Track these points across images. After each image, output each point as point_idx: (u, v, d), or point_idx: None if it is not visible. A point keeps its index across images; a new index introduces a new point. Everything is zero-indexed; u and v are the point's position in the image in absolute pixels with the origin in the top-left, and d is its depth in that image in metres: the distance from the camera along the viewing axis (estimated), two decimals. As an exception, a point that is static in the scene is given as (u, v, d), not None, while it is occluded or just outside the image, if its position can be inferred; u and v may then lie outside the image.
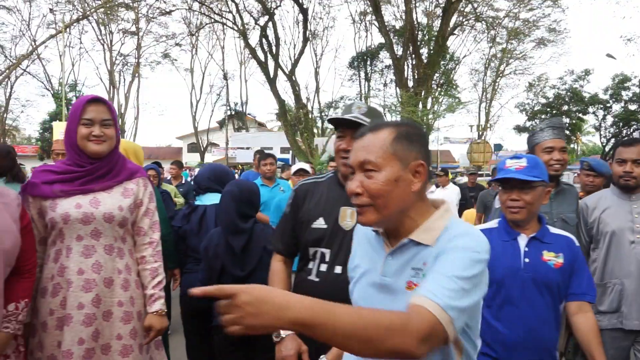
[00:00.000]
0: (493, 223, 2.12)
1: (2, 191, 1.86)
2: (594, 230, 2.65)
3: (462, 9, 24.70)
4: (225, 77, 36.80)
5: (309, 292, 1.68)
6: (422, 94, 23.00)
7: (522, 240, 2.00)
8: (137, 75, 36.25)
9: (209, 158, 37.96)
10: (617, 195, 2.63)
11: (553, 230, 2.05)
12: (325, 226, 1.91)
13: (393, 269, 1.29)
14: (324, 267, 1.89)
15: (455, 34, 26.40)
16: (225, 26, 26.61)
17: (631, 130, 34.52)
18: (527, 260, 1.96)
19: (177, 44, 31.96)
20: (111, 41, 34.72)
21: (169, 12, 25.67)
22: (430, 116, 23.13)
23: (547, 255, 1.95)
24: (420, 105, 21.68)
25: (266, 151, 5.61)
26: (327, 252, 1.89)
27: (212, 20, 25.48)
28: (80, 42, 38.90)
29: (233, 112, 37.30)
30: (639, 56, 75.91)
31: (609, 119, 36.36)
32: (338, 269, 1.85)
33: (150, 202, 2.18)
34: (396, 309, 1.15)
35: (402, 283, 1.27)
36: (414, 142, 1.28)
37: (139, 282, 2.12)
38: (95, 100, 2.06)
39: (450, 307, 1.08)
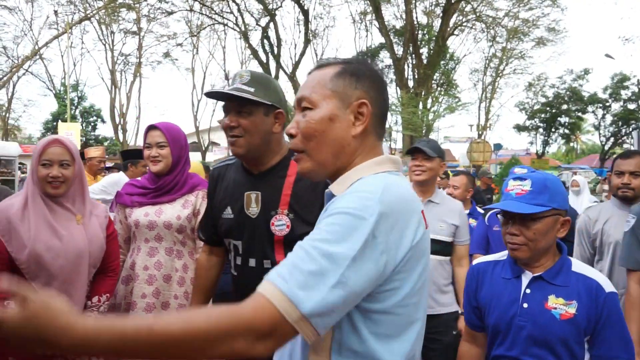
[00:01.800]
0: (502, 255, 1.74)
1: (94, 204, 2.28)
2: (597, 242, 2.70)
3: (462, 9, 24.82)
4: (226, 77, 36.95)
5: (233, 287, 1.76)
6: (422, 94, 23.15)
7: (525, 279, 1.61)
8: (138, 75, 36.40)
9: (210, 157, 38.10)
10: (618, 206, 2.70)
11: (577, 267, 1.59)
12: (232, 216, 1.78)
13: (319, 220, 1.04)
14: (239, 260, 1.77)
15: (455, 34, 26.53)
16: (226, 26, 26.78)
17: (630, 129, 34.66)
18: (525, 305, 1.56)
19: (178, 44, 32.09)
20: (113, 41, 34.87)
21: (170, 13, 25.82)
22: (431, 116, 23.27)
23: (553, 302, 1.52)
24: (421, 105, 21.81)
25: None
26: (238, 244, 1.77)
27: (214, 21, 25.61)
28: (82, 42, 38.94)
29: (234, 112, 37.48)
30: (638, 56, 75.92)
31: (608, 118, 36.51)
32: (252, 262, 1.71)
33: None
34: None
35: None
36: (360, 80, 1.10)
37: (193, 280, 2.40)
38: (153, 127, 2.48)
39: (301, 299, 0.84)
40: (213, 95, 1.74)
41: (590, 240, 2.76)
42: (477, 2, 25.00)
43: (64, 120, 27.63)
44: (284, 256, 1.50)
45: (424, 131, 20.49)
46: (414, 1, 24.34)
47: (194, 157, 37.42)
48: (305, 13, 22.47)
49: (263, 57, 21.89)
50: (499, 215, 1.65)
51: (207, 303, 2.04)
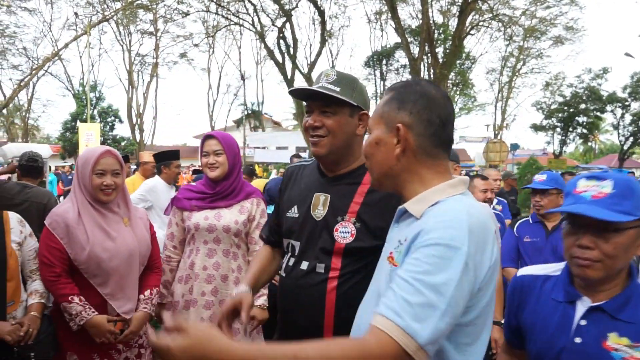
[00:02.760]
0: (556, 268, 1.43)
1: (136, 208, 2.45)
2: None
3: (479, 8, 24.66)
4: (242, 78, 37.20)
5: (280, 288, 1.73)
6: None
7: (581, 307, 1.30)
8: (155, 75, 36.76)
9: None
10: None
11: None
12: (296, 215, 1.71)
13: (392, 236, 1.23)
14: (291, 262, 1.70)
15: (471, 34, 26.38)
16: (242, 27, 26.93)
17: (650, 128, 34.12)
18: (578, 339, 1.27)
19: (194, 45, 32.36)
20: (130, 42, 35.27)
21: (187, 14, 26.03)
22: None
23: (615, 341, 1.21)
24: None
25: (283, 150, 6.18)
26: (297, 244, 1.69)
27: (230, 22, 25.77)
28: (100, 43, 39.43)
29: (250, 112, 37.68)
30: (659, 53, 74.57)
31: (628, 117, 35.91)
32: (304, 265, 1.63)
33: (262, 217, 2.63)
34: (376, 279, 1.19)
35: (387, 252, 1.19)
36: (403, 104, 1.18)
37: None
38: (210, 136, 2.64)
39: (417, 331, 0.93)
40: (297, 92, 1.70)
41: None
42: (494, 1, 24.82)
43: (83, 121, 28.04)
44: (340, 264, 1.54)
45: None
46: (430, 0, 24.22)
47: (210, 157, 37.76)
48: (322, 13, 22.50)
49: (279, 58, 21.97)
50: (563, 223, 1.32)
51: (264, 271, 1.85)
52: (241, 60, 42.89)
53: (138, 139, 36.18)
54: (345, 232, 1.58)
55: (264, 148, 29.99)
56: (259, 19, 23.14)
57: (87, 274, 2.16)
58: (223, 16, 25.49)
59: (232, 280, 2.57)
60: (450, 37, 24.85)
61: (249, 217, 2.62)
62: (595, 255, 1.22)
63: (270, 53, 22.26)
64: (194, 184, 2.79)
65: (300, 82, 23.75)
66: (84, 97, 32.49)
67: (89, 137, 21.26)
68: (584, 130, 37.43)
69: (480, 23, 26.41)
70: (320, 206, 1.65)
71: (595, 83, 35.61)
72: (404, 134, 1.16)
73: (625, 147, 33.94)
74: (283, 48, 21.83)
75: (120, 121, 36.30)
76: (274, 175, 15.41)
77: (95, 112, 32.84)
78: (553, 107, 37.48)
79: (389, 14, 26.12)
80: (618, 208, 1.19)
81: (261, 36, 23.08)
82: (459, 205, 1.07)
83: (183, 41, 32.95)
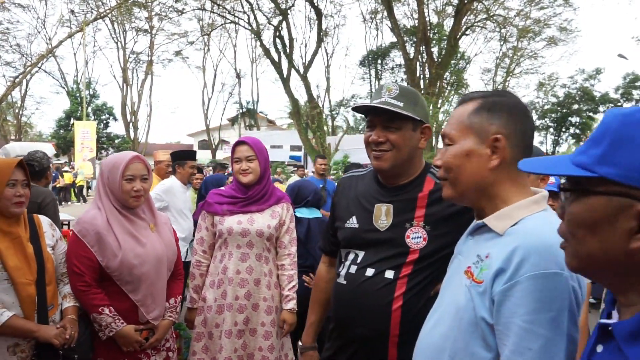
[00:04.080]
0: None
1: (159, 214, 2.43)
2: None
3: (474, 8, 24.79)
4: (237, 76, 37.16)
5: (337, 295, 1.71)
6: (435, 92, 23.15)
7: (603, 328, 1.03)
8: (149, 73, 36.64)
9: (220, 155, 38.31)
10: None
11: None
12: (356, 226, 1.70)
13: (468, 249, 1.20)
14: (353, 269, 1.68)
15: (466, 34, 26.51)
16: (237, 25, 26.91)
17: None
18: None
19: (189, 43, 32.26)
20: (125, 39, 35.13)
21: (182, 12, 25.98)
22: (441, 117, 23.28)
23: None
24: (431, 105, 21.83)
25: (277, 149, 6.36)
26: (360, 253, 1.69)
27: (226, 20, 25.74)
28: (95, 40, 39.24)
29: (245, 110, 37.64)
30: (651, 55, 75.29)
31: (620, 118, 36.22)
32: (369, 272, 1.63)
33: (291, 222, 2.69)
34: (449, 287, 1.17)
35: (464, 265, 1.17)
36: (496, 114, 1.15)
37: (277, 283, 2.63)
38: (241, 142, 2.67)
39: None
40: (360, 109, 1.70)
41: None
42: (489, 2, 24.95)
43: (78, 118, 27.87)
44: (410, 269, 1.56)
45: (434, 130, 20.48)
46: (426, 0, 24.32)
47: (204, 155, 37.74)
48: (319, 12, 22.53)
49: (275, 56, 21.97)
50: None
51: (324, 315, 1.98)
52: (236, 59, 42.85)
53: (132, 136, 36.07)
54: (417, 237, 1.59)
55: (259, 147, 30.02)
56: (255, 17, 23.15)
57: (120, 281, 2.16)
58: (219, 14, 25.47)
59: (264, 284, 2.59)
60: (445, 37, 24.95)
61: (280, 221, 2.66)
62: (561, 229, 0.99)
63: (267, 52, 22.24)
64: (223, 188, 2.82)
65: (296, 82, 23.79)
66: (78, 94, 32.33)
67: (85, 135, 21.15)
68: (577, 131, 37.78)
69: (476, 24, 26.55)
70: (383, 216, 1.65)
71: (588, 84, 35.96)
72: (503, 145, 1.13)
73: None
74: (279, 47, 21.82)
75: (115, 119, 36.19)
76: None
77: (90, 109, 32.67)
78: (546, 107, 37.81)
79: (385, 14, 26.19)
80: (576, 158, 0.91)
81: (257, 35, 23.07)
82: (547, 224, 1.03)
83: (178, 39, 32.85)
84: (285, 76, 21.82)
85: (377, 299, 1.58)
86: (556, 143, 37.75)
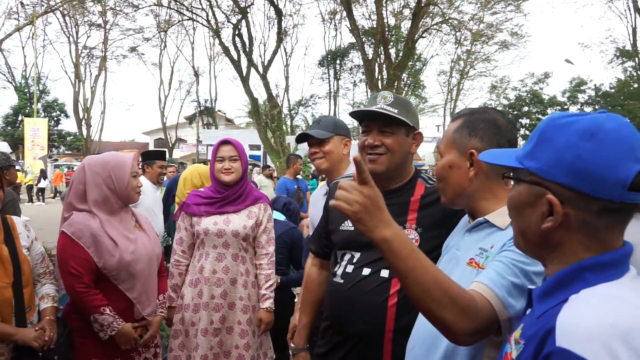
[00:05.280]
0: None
1: (138, 213, 2.47)
2: None
3: (430, 11, 25.37)
4: (195, 74, 36.59)
5: (333, 294, 1.77)
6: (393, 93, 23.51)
7: None
8: (103, 69, 35.60)
9: (177, 154, 37.64)
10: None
11: (586, 291, 0.86)
12: (352, 228, 1.74)
13: (466, 244, 1.33)
14: (350, 269, 1.75)
15: (423, 37, 27.11)
16: (195, 22, 26.52)
17: (586, 131, 36.11)
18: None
19: (145, 39, 31.55)
20: (77, 33, 33.99)
21: (137, 7, 25.38)
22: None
23: (516, 334, 0.93)
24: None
25: None
26: (356, 254, 1.76)
27: (183, 17, 25.31)
28: (45, 34, 37.75)
29: (203, 109, 37.12)
30: (595, 62, 79.13)
31: (566, 120, 37.98)
32: (366, 271, 1.70)
33: (269, 222, 2.73)
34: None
35: (467, 258, 1.29)
36: (474, 130, 1.30)
37: (255, 283, 2.69)
38: (226, 141, 2.71)
39: (511, 304, 1.08)
40: (357, 114, 1.77)
41: None
42: (444, 6, 25.60)
43: (27, 115, 26.81)
44: None
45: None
46: (384, 2, 24.71)
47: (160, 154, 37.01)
48: (279, 12, 22.51)
49: (234, 55, 21.77)
50: None
51: (314, 317, 2.02)
52: (194, 56, 42.09)
53: (85, 134, 34.94)
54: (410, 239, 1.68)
55: (217, 145, 29.63)
56: (213, 14, 22.89)
57: (117, 280, 2.18)
58: (176, 10, 25.02)
59: (240, 284, 2.65)
60: (403, 39, 25.43)
61: (257, 221, 2.70)
62: None
63: (226, 50, 22.01)
64: (202, 189, 2.86)
65: (256, 81, 23.68)
66: (27, 90, 31.08)
67: (35, 132, 20.39)
68: (527, 132, 39.27)
69: (432, 27, 27.17)
70: None
71: (538, 87, 37.44)
72: (477, 158, 1.26)
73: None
74: (239, 46, 21.65)
75: (66, 116, 34.98)
76: (255, 176, 15.15)
77: (40, 106, 31.45)
78: (498, 109, 39.01)
79: (343, 14, 26.43)
80: (518, 152, 1.03)
81: (216, 33, 22.82)
82: None
83: (133, 35, 32.08)
84: (244, 75, 21.67)
85: (374, 296, 1.65)
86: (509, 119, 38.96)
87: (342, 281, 1.75)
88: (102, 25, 32.56)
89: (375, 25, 25.42)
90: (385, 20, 25.08)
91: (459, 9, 27.29)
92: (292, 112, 34.56)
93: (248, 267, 2.70)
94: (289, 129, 29.76)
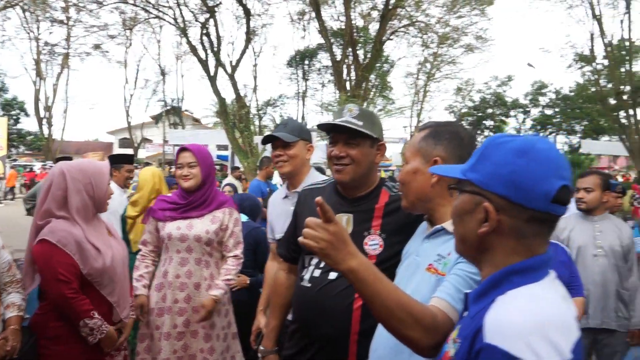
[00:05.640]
0: None
1: (104, 219, 2.44)
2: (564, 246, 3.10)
3: (398, 14, 25.68)
4: (162, 73, 35.98)
5: (301, 297, 1.84)
6: (361, 95, 23.74)
7: None
8: (66, 66, 34.62)
9: (143, 154, 36.97)
10: (582, 217, 3.21)
11: (513, 292, 0.94)
12: None
13: (425, 251, 1.43)
14: (317, 273, 1.83)
15: (391, 39, 27.43)
16: (162, 20, 26.11)
17: (547, 133, 37.35)
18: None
19: (110, 37, 30.84)
20: (38, 29, 32.97)
21: (101, 3, 24.80)
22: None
23: (453, 334, 1.05)
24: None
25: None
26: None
27: (150, 14, 24.89)
28: (3, 29, 36.46)
29: (169, 108, 36.54)
30: (556, 66, 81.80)
31: (528, 122, 39.21)
32: (332, 275, 1.78)
33: (235, 226, 2.74)
34: (410, 284, 1.36)
35: (425, 263, 1.39)
36: (439, 140, 1.43)
37: (219, 287, 2.67)
38: (184, 149, 2.79)
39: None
40: (325, 126, 1.86)
41: None
42: (412, 8, 25.96)
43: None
44: None
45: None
46: (353, 4, 24.89)
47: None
48: (247, 11, 22.41)
49: (202, 54, 21.56)
50: None
51: (283, 320, 2.09)
52: (161, 55, 41.29)
53: (46, 133, 33.93)
54: (374, 244, 1.77)
55: (184, 146, 29.23)
56: (181, 13, 22.58)
57: (100, 285, 2.22)
58: (142, 8, 24.58)
59: (204, 288, 2.68)
60: (370, 41, 25.65)
61: (221, 226, 2.74)
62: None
63: (193, 49, 21.75)
64: (170, 195, 2.90)
65: (224, 81, 23.50)
66: (-16, 87, 29.99)
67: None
68: (491, 133, 40.26)
69: (399, 29, 27.50)
70: (343, 225, 1.73)
71: (501, 90, 38.47)
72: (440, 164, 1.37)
73: (526, 150, 36.78)
74: (207, 45, 21.44)
75: (26, 114, 33.93)
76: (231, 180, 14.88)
77: (-2, 104, 30.40)
78: (464, 111, 39.95)
79: (312, 15, 26.47)
80: (465, 166, 1.10)
81: (183, 32, 22.55)
82: None
83: (97, 32, 31.30)
84: (212, 75, 21.48)
85: (340, 300, 1.73)
86: (471, 131, 39.87)
87: (309, 285, 1.82)
88: (65, 21, 31.68)
89: (343, 27, 25.59)
90: (353, 22, 25.28)
91: (426, 12, 27.69)
92: (261, 112, 34.42)
93: (212, 272, 2.74)
94: (257, 129, 29.61)
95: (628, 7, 22.35)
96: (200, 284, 2.68)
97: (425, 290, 1.34)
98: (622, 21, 23.18)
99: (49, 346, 2.16)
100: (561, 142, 35.07)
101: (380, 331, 1.43)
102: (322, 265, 1.81)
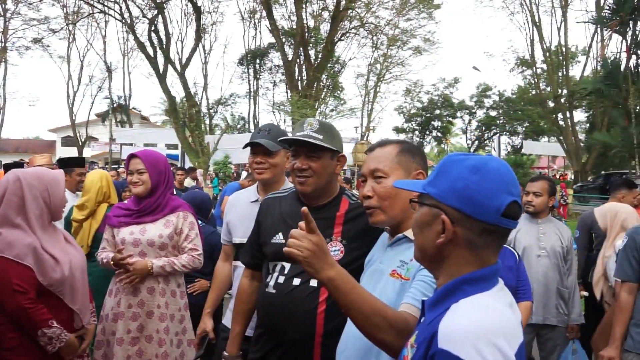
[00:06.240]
0: None
1: (59, 226, 2.39)
2: (512, 247, 3.25)
3: (349, 15, 26.01)
4: (108, 69, 34.82)
5: (266, 303, 1.88)
6: (313, 94, 23.89)
7: None
8: (3, 60, 32.92)
9: (88, 153, 35.65)
10: (528, 219, 3.40)
11: (466, 300, 1.01)
12: (283, 241, 1.82)
13: (388, 258, 1.52)
14: (281, 279, 1.87)
15: (342, 40, 27.75)
16: (107, 15, 25.32)
17: (491, 133, 38.86)
18: None
19: (52, 31, 29.57)
20: (-29, 22, 31.16)
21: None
22: (318, 117, 24.02)
23: (411, 341, 1.10)
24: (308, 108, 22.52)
25: (151, 148, 6.24)
26: (287, 265, 1.88)
27: (94, 9, 24.07)
28: None
29: (116, 106, 35.40)
30: (499, 70, 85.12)
31: (474, 123, 40.64)
32: (296, 281, 1.83)
33: (191, 230, 2.76)
34: (375, 289, 1.43)
35: (389, 270, 1.48)
36: (415, 156, 1.55)
37: (174, 291, 2.70)
38: (133, 155, 2.79)
39: None
40: (287, 140, 1.95)
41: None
42: (362, 10, 26.36)
43: None
44: None
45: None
46: (304, 4, 25.00)
47: (70, 153, 34.96)
48: (197, 9, 22.09)
49: (150, 51, 21.04)
50: None
51: (247, 326, 2.12)
52: (106, 51, 39.77)
53: (-18, 131, 32.16)
54: (335, 250, 1.83)
55: (131, 145, 28.43)
56: (127, 8, 21.98)
57: (61, 294, 2.20)
58: (86, 2, 23.74)
59: (158, 292, 2.68)
60: (321, 41, 25.87)
61: (176, 230, 2.74)
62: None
63: (141, 46, 21.23)
64: (126, 202, 2.89)
65: (173, 79, 23.03)
66: None
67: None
68: (439, 134, 41.44)
69: (350, 30, 27.86)
70: None
71: (448, 91, 39.63)
72: (423, 178, 1.50)
73: (472, 150, 38.14)
74: (155, 42, 20.96)
75: (-40, 111, 31.98)
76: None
77: None
78: (412, 112, 40.91)
79: (263, 13, 26.41)
80: (425, 181, 1.16)
81: (130, 28, 21.97)
82: None
83: (37, 25, 29.94)
84: (161, 72, 21.05)
85: (304, 304, 1.79)
86: (421, 145, 40.92)
87: (274, 291, 1.87)
88: (1, 13, 30.13)
89: (294, 26, 25.67)
90: (306, 21, 25.41)
91: (376, 14, 28.20)
92: (211, 111, 33.97)
93: (167, 276, 2.73)
94: (207, 129, 29.21)
95: (564, 15, 23.57)
96: (154, 288, 2.68)
97: (391, 293, 1.44)
98: (559, 28, 24.47)
99: (7, 357, 2.12)
100: (504, 142, 36.59)
101: (349, 333, 1.50)
102: (285, 271, 1.87)
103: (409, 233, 1.46)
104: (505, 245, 2.10)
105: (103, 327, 2.67)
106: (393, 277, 1.46)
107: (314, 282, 1.80)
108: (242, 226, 2.37)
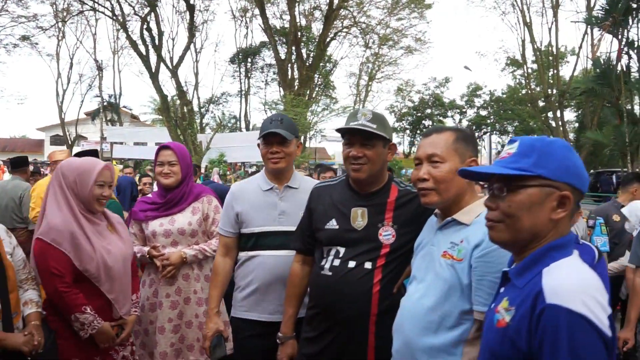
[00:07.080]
0: None
1: (113, 215, 2.47)
2: None
3: (341, 14, 26.05)
4: (99, 67, 34.51)
5: (322, 285, 2.00)
6: (306, 93, 23.90)
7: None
8: (-10, 58, 32.46)
9: (77, 151, 35.34)
10: None
11: (555, 265, 1.12)
12: (337, 227, 2.00)
13: (439, 240, 1.62)
14: (337, 262, 1.98)
15: (334, 39, 27.77)
16: (98, 12, 25.09)
17: (482, 133, 39.14)
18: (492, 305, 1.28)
19: (41, 28, 29.21)
20: (-42, 18, 30.68)
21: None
22: (310, 115, 24.05)
23: (502, 305, 1.17)
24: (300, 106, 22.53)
25: (142, 146, 6.08)
26: (342, 249, 1.99)
27: (84, 6, 23.82)
28: None
29: (106, 104, 35.10)
30: (490, 70, 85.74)
31: (464, 122, 40.89)
32: (351, 264, 1.94)
33: (216, 213, 2.78)
34: (430, 271, 1.57)
35: (440, 251, 1.58)
36: (469, 143, 1.64)
37: (208, 275, 2.72)
38: (165, 147, 2.84)
39: None
40: (342, 130, 2.00)
41: None
42: (354, 9, 26.42)
43: None
44: (384, 261, 1.93)
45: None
46: (296, 4, 24.99)
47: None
48: (191, 7, 21.98)
49: (142, 50, 20.88)
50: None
51: (299, 308, 2.20)
52: (96, 49, 39.31)
53: (-31, 129, 31.66)
54: (387, 235, 1.95)
55: (122, 143, 28.22)
56: (120, 6, 21.80)
57: (97, 282, 2.24)
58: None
59: (193, 278, 2.75)
60: (314, 40, 25.89)
61: (203, 215, 2.80)
62: (495, 215, 1.21)
63: (134, 44, 21.06)
64: (149, 195, 2.92)
65: (164, 77, 22.90)
66: None
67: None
68: (430, 133, 41.57)
69: (342, 29, 27.89)
70: (359, 218, 1.99)
71: (439, 91, 39.93)
72: (476, 165, 1.58)
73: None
74: (147, 40, 20.80)
75: (-54, 109, 31.51)
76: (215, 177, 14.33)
77: None
78: (404, 111, 41.13)
79: (255, 12, 26.38)
80: (513, 165, 1.17)
81: (122, 26, 21.79)
82: None
83: (25, 22, 29.55)
84: (153, 71, 20.90)
85: (360, 285, 1.91)
86: (412, 144, 41.18)
87: (330, 274, 1.98)
88: (-11, 10, 29.69)
89: (287, 25, 25.65)
90: (299, 20, 25.40)
91: (368, 14, 28.25)
92: (203, 109, 33.86)
93: (201, 262, 2.80)
94: (198, 127, 29.09)
95: (555, 15, 23.82)
96: (189, 274, 2.74)
97: (447, 274, 1.55)
98: (550, 29, 24.73)
99: (58, 339, 2.19)
100: (495, 141, 36.85)
101: (404, 311, 1.64)
102: (340, 255, 1.99)
103: (458, 216, 1.59)
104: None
105: (139, 318, 2.69)
106: (444, 258, 1.56)
107: (368, 265, 1.94)
108: (259, 215, 2.34)
